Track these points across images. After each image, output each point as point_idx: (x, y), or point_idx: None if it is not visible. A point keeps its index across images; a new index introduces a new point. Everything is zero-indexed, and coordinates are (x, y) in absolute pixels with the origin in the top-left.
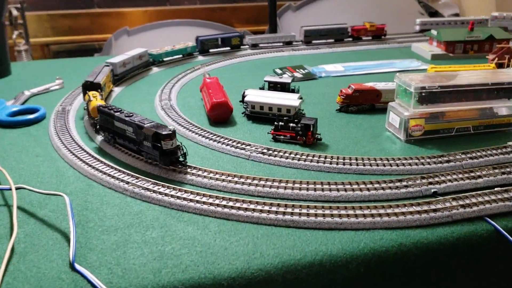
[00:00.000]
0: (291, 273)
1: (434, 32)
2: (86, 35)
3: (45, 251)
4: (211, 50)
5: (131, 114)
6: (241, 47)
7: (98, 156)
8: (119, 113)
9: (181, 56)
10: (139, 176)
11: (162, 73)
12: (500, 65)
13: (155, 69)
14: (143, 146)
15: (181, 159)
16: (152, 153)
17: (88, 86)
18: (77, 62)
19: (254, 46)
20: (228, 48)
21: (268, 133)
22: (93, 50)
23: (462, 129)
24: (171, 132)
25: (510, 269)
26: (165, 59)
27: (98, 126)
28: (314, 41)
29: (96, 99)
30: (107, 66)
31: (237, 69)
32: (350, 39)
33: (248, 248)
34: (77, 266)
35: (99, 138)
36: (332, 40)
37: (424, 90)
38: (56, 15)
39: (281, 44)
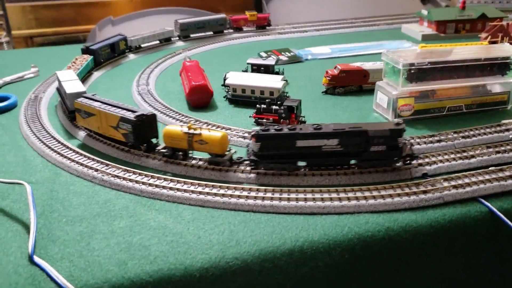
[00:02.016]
0: (269, 261)
1: (424, 12)
2: (71, 26)
3: (3, 243)
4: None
5: (319, 126)
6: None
7: (68, 144)
8: (301, 129)
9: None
10: (109, 163)
11: (141, 59)
12: (493, 44)
13: (134, 55)
14: (369, 154)
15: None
16: (387, 156)
17: None
18: (54, 50)
19: (132, 48)
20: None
21: (250, 116)
22: (78, 41)
23: (454, 108)
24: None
25: (505, 252)
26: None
27: (254, 157)
28: (192, 35)
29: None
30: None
31: (220, 53)
32: (231, 30)
33: (223, 236)
34: (36, 259)
35: (81, 133)
36: (211, 33)
37: (413, 67)
38: (39, 6)
39: (158, 42)
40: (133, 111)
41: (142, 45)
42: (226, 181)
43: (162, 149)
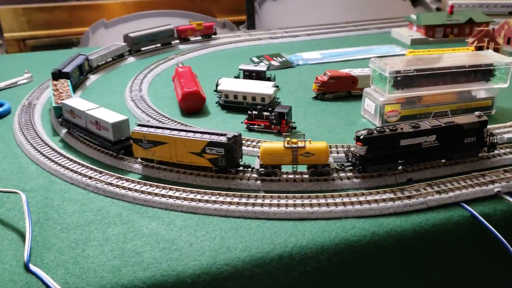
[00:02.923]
0: (259, 266)
1: (413, 16)
2: (64, 28)
3: None
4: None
5: (417, 125)
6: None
7: (62, 151)
8: (402, 129)
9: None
10: (102, 170)
11: (136, 64)
12: (479, 48)
13: (129, 59)
14: (462, 146)
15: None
16: (477, 146)
17: None
18: (48, 55)
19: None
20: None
21: (241, 122)
22: (71, 44)
23: (439, 114)
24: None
25: (487, 255)
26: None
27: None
28: (143, 48)
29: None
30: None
31: (213, 58)
32: (178, 41)
33: (214, 242)
34: (32, 267)
35: (64, 131)
36: (159, 45)
37: (399, 74)
38: (32, 9)
39: (111, 59)
40: (220, 134)
41: (99, 64)
42: (218, 188)
43: (260, 168)
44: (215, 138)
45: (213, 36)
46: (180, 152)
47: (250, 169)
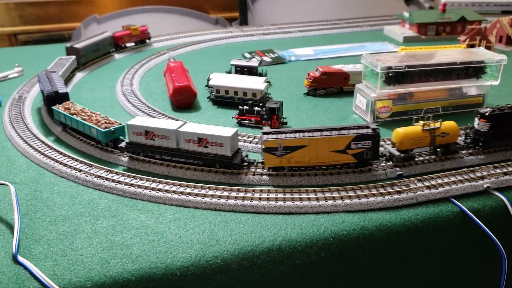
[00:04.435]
0: (248, 259)
1: (406, 14)
2: (56, 24)
3: None
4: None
5: None
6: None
7: (52, 144)
8: None
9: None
10: (92, 163)
11: (126, 59)
12: (471, 46)
13: (119, 55)
14: None
15: None
16: None
17: None
18: (39, 50)
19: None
20: None
21: (232, 117)
22: (63, 39)
23: (430, 110)
24: None
25: (476, 251)
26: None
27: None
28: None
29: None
30: None
31: (205, 53)
32: (114, 49)
33: (204, 235)
34: (20, 258)
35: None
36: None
37: (390, 70)
38: (23, 4)
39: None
40: (359, 127)
41: None
42: (207, 181)
43: (401, 154)
44: (360, 131)
45: (147, 41)
46: (322, 152)
47: (386, 157)
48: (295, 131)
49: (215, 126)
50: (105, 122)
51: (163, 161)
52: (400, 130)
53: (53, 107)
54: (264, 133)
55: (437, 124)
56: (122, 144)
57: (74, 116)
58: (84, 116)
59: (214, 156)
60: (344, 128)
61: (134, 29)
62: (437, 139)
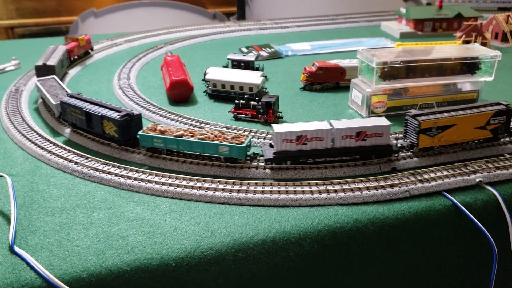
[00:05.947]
0: (243, 251)
1: (403, 10)
2: (53, 17)
3: None
4: None
5: None
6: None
7: (48, 137)
8: None
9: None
10: (89, 156)
11: (124, 52)
12: (467, 43)
13: (116, 48)
14: None
15: None
16: None
17: None
18: (36, 42)
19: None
20: None
21: (229, 111)
22: (60, 32)
23: (425, 105)
24: None
25: (468, 244)
26: None
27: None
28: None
29: None
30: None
31: (202, 47)
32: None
33: (199, 227)
34: (17, 249)
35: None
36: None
37: (386, 66)
38: None
39: None
40: (491, 104)
41: None
42: (203, 175)
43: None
44: (496, 107)
45: (90, 52)
46: (467, 130)
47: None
48: (441, 112)
49: (370, 118)
50: (224, 138)
51: (165, 156)
52: None
53: (140, 133)
54: (414, 116)
55: None
56: (269, 155)
57: (185, 138)
58: (199, 136)
59: (373, 148)
60: (478, 106)
61: (81, 40)
62: None
